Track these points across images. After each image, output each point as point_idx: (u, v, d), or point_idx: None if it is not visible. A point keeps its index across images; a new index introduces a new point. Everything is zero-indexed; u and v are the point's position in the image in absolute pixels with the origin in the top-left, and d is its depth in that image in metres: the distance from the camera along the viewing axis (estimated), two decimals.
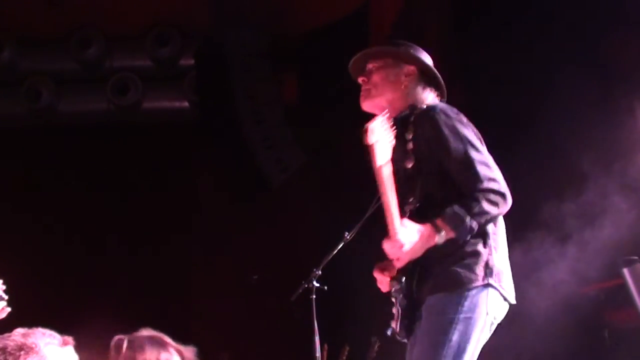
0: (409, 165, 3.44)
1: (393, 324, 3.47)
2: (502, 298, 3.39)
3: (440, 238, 3.29)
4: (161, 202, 8.38)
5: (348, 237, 3.95)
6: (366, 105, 3.56)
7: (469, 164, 3.33)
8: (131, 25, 8.29)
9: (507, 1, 5.97)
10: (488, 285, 3.33)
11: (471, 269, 3.32)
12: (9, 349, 2.06)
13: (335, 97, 7.65)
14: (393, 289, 3.40)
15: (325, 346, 5.44)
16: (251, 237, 8.04)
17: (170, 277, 8.16)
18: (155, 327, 2.89)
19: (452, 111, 3.46)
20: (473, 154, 3.34)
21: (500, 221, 3.46)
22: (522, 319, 5.22)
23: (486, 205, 3.27)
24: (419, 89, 3.59)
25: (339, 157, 7.54)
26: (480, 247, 3.35)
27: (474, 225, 3.27)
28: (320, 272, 4.25)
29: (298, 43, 8.22)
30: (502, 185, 3.34)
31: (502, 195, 3.31)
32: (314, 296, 4.26)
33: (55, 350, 2.14)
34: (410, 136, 3.45)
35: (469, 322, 3.29)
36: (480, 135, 3.49)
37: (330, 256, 4.17)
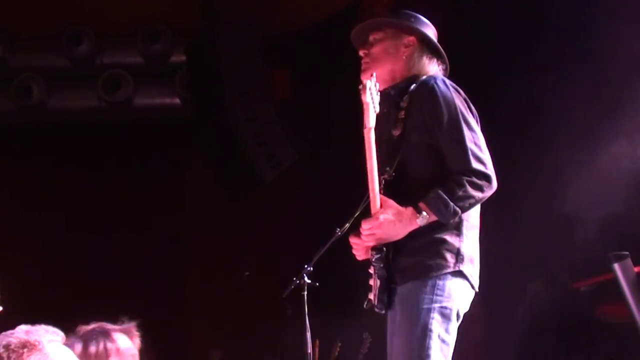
0: (396, 134, 3.39)
1: (370, 296, 3.42)
2: (470, 286, 3.34)
3: (422, 220, 3.24)
4: (152, 199, 8.37)
5: (339, 233, 3.93)
6: (366, 78, 3.40)
7: (460, 140, 3.27)
8: (122, 21, 8.26)
9: None
10: (458, 272, 3.28)
11: (441, 255, 3.27)
12: (12, 347, 2.04)
13: (327, 93, 7.66)
14: (373, 258, 3.34)
15: (317, 342, 5.45)
16: (243, 234, 8.04)
17: (162, 274, 8.15)
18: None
19: (451, 85, 3.40)
20: (465, 131, 3.28)
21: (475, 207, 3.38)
22: (513, 313, 5.24)
23: (470, 189, 3.21)
24: (422, 59, 3.54)
25: (330, 153, 7.54)
26: (451, 233, 3.29)
27: (457, 209, 3.21)
28: (311, 269, 4.25)
29: (290, 39, 8.21)
30: (489, 167, 3.27)
31: (488, 178, 3.25)
32: (306, 292, 4.26)
33: (59, 348, 2.12)
34: (404, 105, 3.39)
35: (444, 311, 3.24)
36: (477, 115, 3.42)
37: (322, 252, 4.16)
